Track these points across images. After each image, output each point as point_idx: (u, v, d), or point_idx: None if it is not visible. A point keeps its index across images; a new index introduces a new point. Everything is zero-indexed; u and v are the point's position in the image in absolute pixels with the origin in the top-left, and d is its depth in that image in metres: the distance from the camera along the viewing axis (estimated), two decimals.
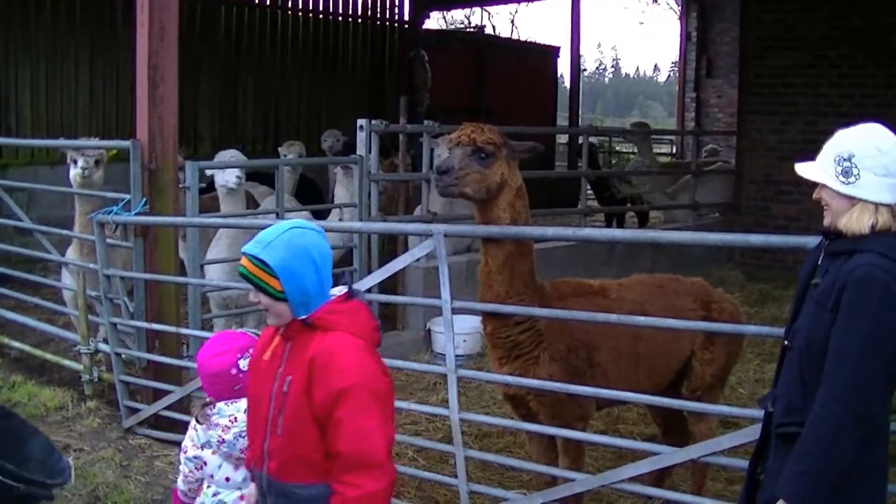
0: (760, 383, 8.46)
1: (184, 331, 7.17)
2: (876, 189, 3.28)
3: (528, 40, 29.13)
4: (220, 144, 14.95)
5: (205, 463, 4.02)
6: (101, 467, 6.29)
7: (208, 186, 8.74)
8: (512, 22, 65.82)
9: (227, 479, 4.00)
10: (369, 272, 8.15)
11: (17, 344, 8.87)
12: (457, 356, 5.36)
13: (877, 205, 3.27)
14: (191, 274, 7.67)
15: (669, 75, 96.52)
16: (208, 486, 4.04)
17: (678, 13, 24.90)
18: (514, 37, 38.20)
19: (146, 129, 6.98)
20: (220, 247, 8.19)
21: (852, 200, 3.30)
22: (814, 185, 3.41)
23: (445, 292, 5.29)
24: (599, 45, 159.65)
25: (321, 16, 17.87)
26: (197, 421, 3.99)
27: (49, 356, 8.48)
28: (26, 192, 11.62)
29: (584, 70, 55.81)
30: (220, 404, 3.97)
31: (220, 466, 4.00)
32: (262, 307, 3.52)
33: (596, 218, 16.23)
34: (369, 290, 6.06)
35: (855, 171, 3.29)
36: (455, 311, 5.32)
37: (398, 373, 7.58)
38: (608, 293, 5.46)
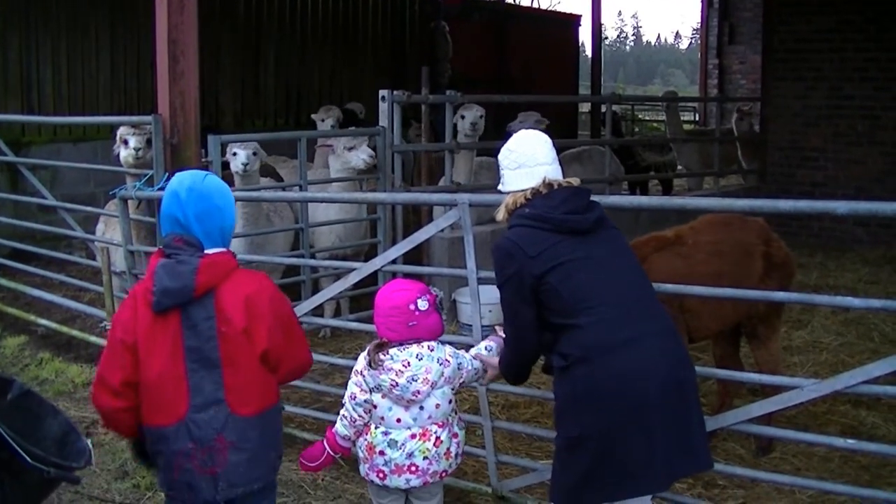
0: (788, 350, 8.36)
1: None
2: (513, 181, 4.20)
3: (549, 9, 28.99)
4: (242, 118, 14.98)
5: (374, 406, 4.21)
6: (128, 443, 6.27)
7: None
8: None
9: (398, 421, 4.19)
10: (394, 243, 8.11)
11: (43, 321, 8.93)
12: (483, 326, 5.34)
13: (514, 192, 4.19)
14: None
15: (691, 42, 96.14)
16: (376, 427, 4.23)
17: None
18: (535, 6, 37.92)
19: (167, 103, 6.98)
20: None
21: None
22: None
23: (471, 262, 5.28)
24: (620, 14, 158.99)
25: None
26: (369, 366, 4.17)
27: (75, 332, 8.52)
28: (49, 169, 11.66)
29: (606, 39, 55.54)
30: (394, 349, 4.17)
31: (390, 409, 4.19)
32: None
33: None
34: (394, 261, 6.04)
35: (502, 174, 4.31)
36: (481, 280, 5.31)
37: None
38: (685, 240, 6.00)
